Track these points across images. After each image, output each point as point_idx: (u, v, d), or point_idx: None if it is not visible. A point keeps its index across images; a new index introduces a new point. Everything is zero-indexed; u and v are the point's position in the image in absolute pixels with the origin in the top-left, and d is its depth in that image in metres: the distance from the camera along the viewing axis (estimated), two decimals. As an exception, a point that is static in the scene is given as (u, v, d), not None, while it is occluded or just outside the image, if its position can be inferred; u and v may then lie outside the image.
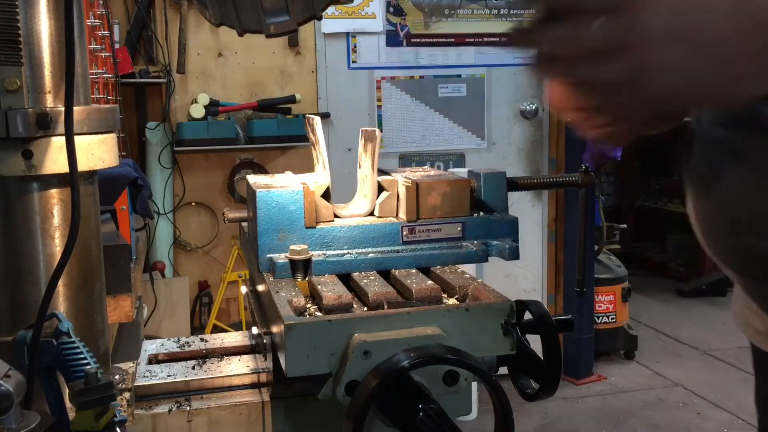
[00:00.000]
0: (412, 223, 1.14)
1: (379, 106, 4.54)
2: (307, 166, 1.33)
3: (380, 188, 1.20)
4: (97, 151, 1.09)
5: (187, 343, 1.38)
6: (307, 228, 1.11)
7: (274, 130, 4.29)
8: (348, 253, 1.12)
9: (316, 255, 1.10)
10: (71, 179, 0.96)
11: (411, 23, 4.46)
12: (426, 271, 1.14)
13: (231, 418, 1.15)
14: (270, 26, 1.05)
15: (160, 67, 4.31)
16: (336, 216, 1.17)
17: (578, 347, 4.61)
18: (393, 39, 4.45)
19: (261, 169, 4.51)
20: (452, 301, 1.07)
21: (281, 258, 1.09)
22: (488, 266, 3.58)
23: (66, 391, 0.90)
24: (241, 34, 1.08)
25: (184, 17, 4.28)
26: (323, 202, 1.15)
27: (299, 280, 1.09)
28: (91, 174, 1.13)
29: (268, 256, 1.10)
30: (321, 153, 1.24)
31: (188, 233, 4.54)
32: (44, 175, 1.03)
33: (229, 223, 1.31)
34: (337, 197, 1.20)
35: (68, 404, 0.91)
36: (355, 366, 0.91)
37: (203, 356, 1.33)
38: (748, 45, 0.58)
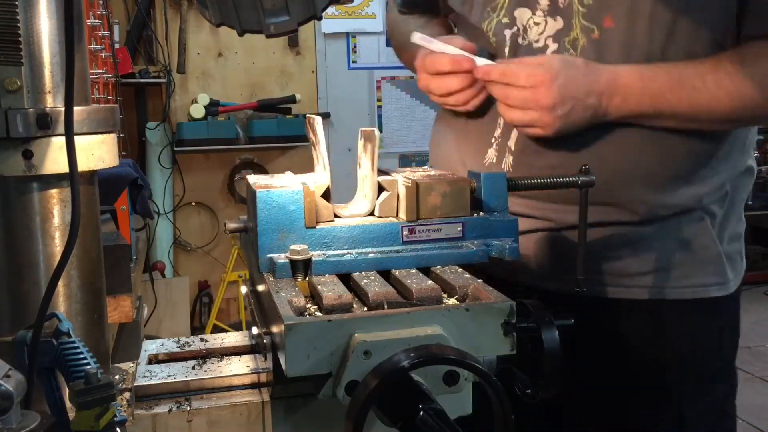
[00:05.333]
0: (412, 223, 1.14)
1: (379, 106, 4.54)
2: (308, 166, 1.33)
3: (380, 188, 1.20)
4: (97, 151, 1.09)
5: (187, 343, 1.38)
6: (307, 228, 1.11)
7: (274, 130, 4.29)
8: (348, 253, 1.12)
9: (316, 255, 1.10)
10: (71, 179, 0.96)
11: (411, 23, 4.45)
12: (426, 271, 1.14)
13: (231, 418, 1.15)
14: (270, 26, 1.05)
15: (160, 67, 4.31)
16: (336, 216, 1.17)
17: (578, 347, 4.59)
18: (393, 39, 4.45)
19: (261, 169, 4.51)
20: (452, 301, 1.06)
21: (281, 258, 1.09)
22: (488, 266, 3.57)
23: (66, 391, 0.90)
24: (241, 34, 1.08)
25: (184, 17, 4.28)
26: (323, 202, 1.15)
27: (299, 280, 1.09)
28: (91, 174, 1.13)
29: (268, 256, 1.10)
30: (321, 153, 1.24)
31: (188, 233, 4.54)
32: (44, 175, 1.03)
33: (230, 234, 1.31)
34: (337, 197, 1.20)
35: (68, 404, 0.91)
36: (355, 366, 0.91)
37: (203, 356, 1.33)
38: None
